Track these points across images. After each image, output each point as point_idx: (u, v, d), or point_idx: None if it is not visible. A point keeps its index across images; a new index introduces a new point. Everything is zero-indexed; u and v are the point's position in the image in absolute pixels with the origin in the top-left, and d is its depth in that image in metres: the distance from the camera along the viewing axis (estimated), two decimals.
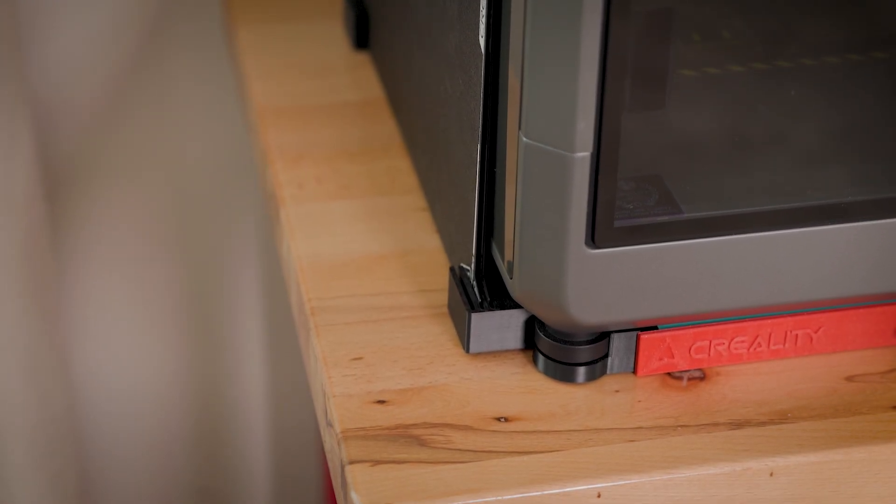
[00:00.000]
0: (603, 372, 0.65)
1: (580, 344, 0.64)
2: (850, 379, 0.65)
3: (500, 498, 0.59)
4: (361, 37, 0.87)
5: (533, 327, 0.66)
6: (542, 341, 0.65)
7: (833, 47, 0.66)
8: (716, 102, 0.65)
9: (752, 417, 0.63)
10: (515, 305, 0.65)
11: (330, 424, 0.64)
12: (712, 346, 0.65)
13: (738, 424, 0.63)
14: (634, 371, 0.65)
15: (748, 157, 0.64)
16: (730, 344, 0.65)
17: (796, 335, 0.66)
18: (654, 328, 0.65)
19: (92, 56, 1.01)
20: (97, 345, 1.12)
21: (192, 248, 1.10)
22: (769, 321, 0.65)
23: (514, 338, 0.66)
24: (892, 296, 0.65)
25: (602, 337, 0.64)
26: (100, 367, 1.13)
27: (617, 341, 0.65)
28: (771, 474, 0.61)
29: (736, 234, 0.62)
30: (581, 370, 0.65)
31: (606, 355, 0.65)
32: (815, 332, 0.66)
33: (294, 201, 0.76)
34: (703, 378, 0.65)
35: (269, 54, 0.87)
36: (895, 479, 0.62)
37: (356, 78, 0.85)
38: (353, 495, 0.59)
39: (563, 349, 0.64)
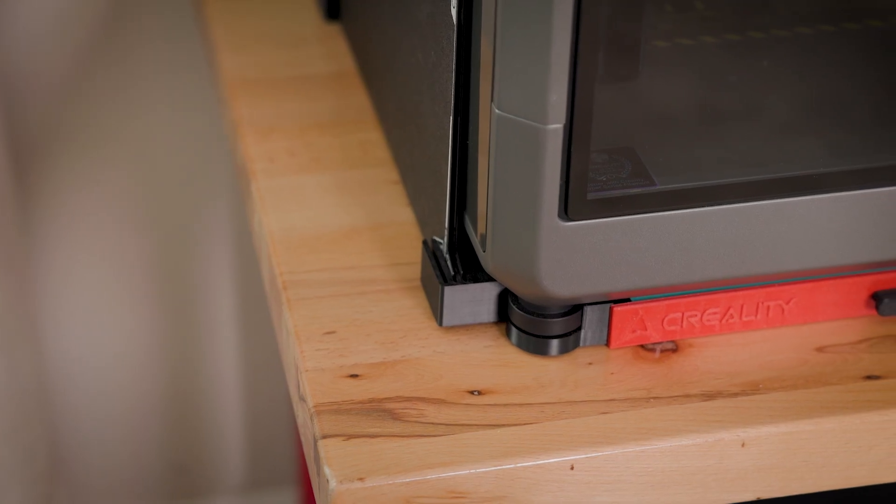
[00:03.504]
0: (576, 344, 0.65)
1: (553, 317, 0.64)
2: (821, 350, 0.65)
3: (473, 471, 0.59)
4: (333, 8, 0.86)
5: (506, 300, 0.66)
6: (516, 314, 0.65)
7: (805, 18, 0.66)
8: (689, 74, 0.65)
9: (723, 389, 0.63)
10: (488, 278, 0.65)
11: (303, 399, 0.64)
12: (685, 317, 0.65)
13: (710, 396, 0.63)
14: (607, 343, 0.65)
15: (721, 129, 0.64)
16: (702, 316, 0.65)
17: (768, 306, 0.66)
18: (627, 300, 0.65)
19: (59, 30, 1.00)
20: (68, 319, 1.11)
21: (164, 222, 1.10)
22: (741, 293, 0.65)
23: (488, 311, 0.66)
24: (864, 266, 0.65)
25: (575, 309, 0.64)
26: (71, 342, 1.12)
27: (590, 314, 0.65)
28: (742, 445, 0.61)
29: (709, 205, 0.62)
30: (554, 343, 0.65)
31: (579, 328, 0.65)
32: (787, 304, 0.66)
33: (265, 175, 0.75)
34: (675, 350, 0.66)
35: (238, 25, 0.86)
36: (865, 449, 0.63)
37: (327, 50, 0.85)
38: (326, 469, 0.59)
39: (536, 322, 0.64)
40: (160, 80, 1.03)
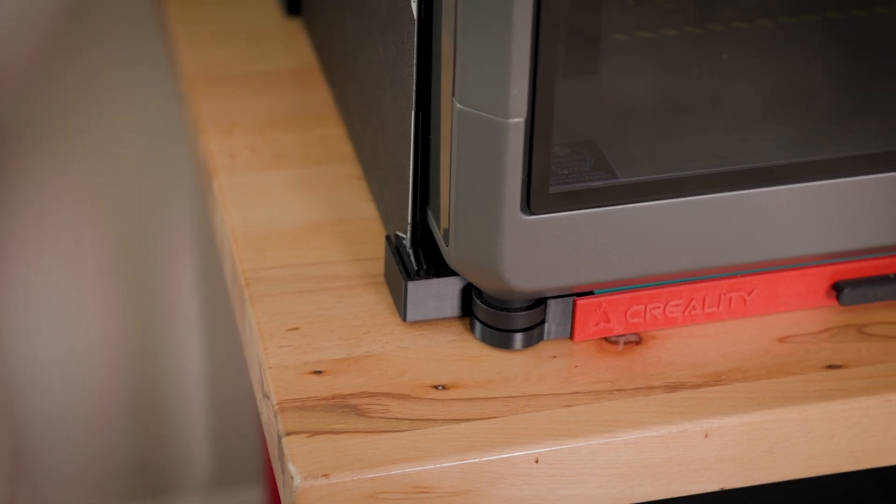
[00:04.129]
0: (540, 338, 0.65)
1: (517, 310, 0.64)
2: (782, 340, 0.66)
3: (438, 466, 0.59)
4: (293, 3, 0.86)
5: (470, 295, 0.66)
6: (479, 308, 0.65)
7: (765, 10, 0.66)
8: (649, 67, 0.65)
9: (687, 380, 0.64)
10: (452, 273, 0.65)
11: (266, 396, 0.63)
12: (648, 310, 0.65)
13: (674, 387, 0.63)
14: (571, 336, 0.66)
15: (682, 122, 0.64)
16: (665, 308, 0.66)
17: (730, 298, 0.66)
18: (591, 293, 0.65)
19: (19, 26, 0.99)
20: (30, 317, 1.10)
21: (126, 220, 1.09)
22: (703, 284, 0.66)
23: (451, 306, 0.66)
24: (824, 257, 0.66)
25: (538, 303, 0.65)
26: (33, 340, 1.11)
27: (553, 307, 0.65)
28: (706, 436, 0.62)
29: (671, 198, 0.62)
30: (518, 336, 0.65)
31: (543, 321, 0.65)
32: (749, 295, 0.66)
33: (227, 171, 0.75)
34: (638, 342, 0.66)
35: (198, 21, 0.86)
36: (827, 438, 0.63)
37: (288, 45, 0.84)
38: (291, 466, 0.59)
39: (499, 316, 0.64)
40: (121, 77, 1.03)
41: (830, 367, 0.64)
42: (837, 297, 0.67)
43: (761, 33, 0.66)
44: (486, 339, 0.65)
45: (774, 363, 0.65)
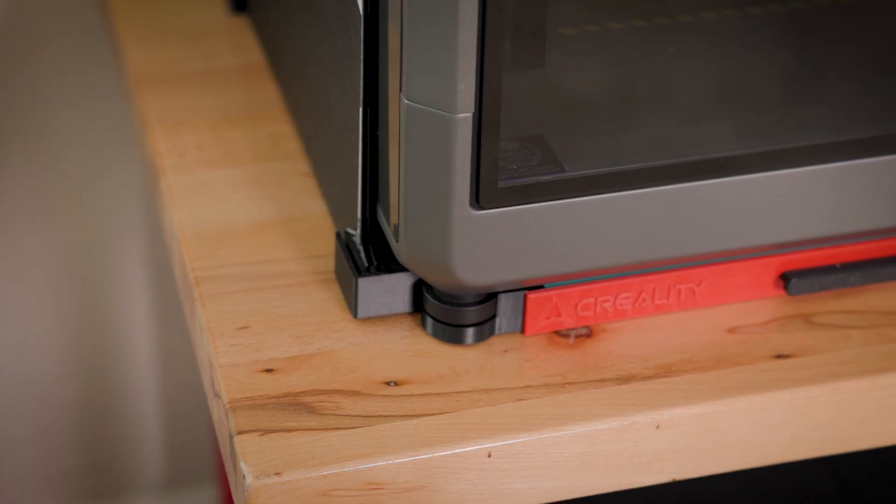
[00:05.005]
0: (491, 332, 0.65)
1: (468, 305, 0.64)
2: (731, 331, 0.66)
3: (390, 462, 0.59)
4: (240, 0, 0.85)
5: (421, 290, 0.66)
6: (430, 304, 0.65)
7: (710, 3, 0.66)
8: (596, 60, 0.65)
9: (637, 372, 0.64)
10: (403, 269, 0.65)
11: (217, 395, 0.63)
12: (598, 303, 0.66)
13: (625, 379, 0.64)
14: (522, 330, 0.66)
15: (629, 115, 0.65)
16: (615, 300, 0.66)
17: (679, 290, 0.67)
18: (541, 287, 0.65)
19: None
20: None
21: (75, 219, 1.08)
22: (653, 277, 0.66)
23: (402, 301, 0.66)
24: (772, 247, 0.66)
25: (489, 298, 0.65)
26: None
27: (504, 301, 0.65)
28: (657, 427, 0.62)
29: (619, 190, 0.62)
30: (469, 331, 0.65)
31: (494, 316, 0.65)
32: (698, 286, 0.67)
33: (175, 170, 0.74)
34: (589, 335, 0.66)
35: (143, 19, 0.85)
36: (776, 427, 0.64)
37: (235, 42, 0.84)
38: (242, 465, 0.59)
39: (451, 311, 0.64)
40: (66, 75, 1.02)
41: (779, 356, 0.65)
42: (785, 288, 0.67)
43: (707, 26, 0.67)
44: (437, 335, 0.65)
45: (724, 354, 0.65)
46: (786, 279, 0.67)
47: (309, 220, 0.71)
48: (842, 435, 0.65)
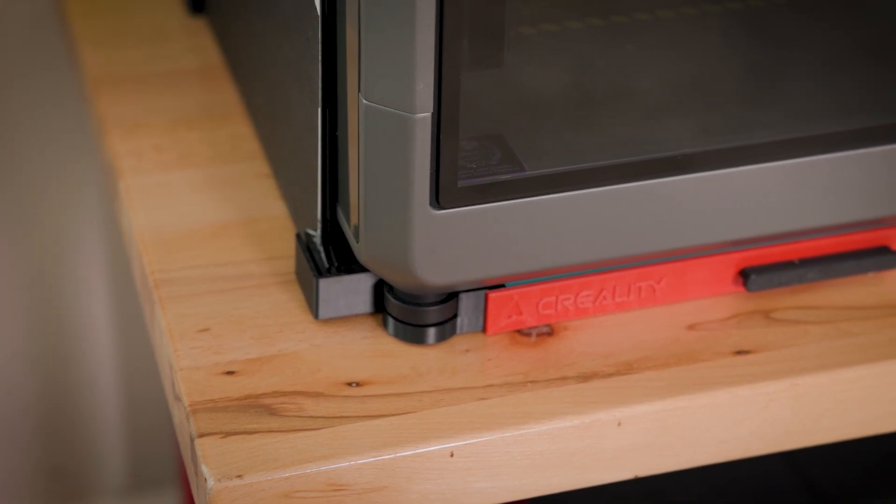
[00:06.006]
0: (453, 332, 0.65)
1: (429, 305, 0.64)
2: (692, 327, 0.67)
3: (352, 463, 0.59)
4: (197, 1, 0.85)
5: (382, 291, 0.65)
6: (392, 304, 0.65)
7: (667, 2, 0.67)
8: (555, 59, 0.65)
9: (599, 370, 0.64)
10: (363, 269, 0.65)
11: (178, 398, 0.63)
12: (559, 301, 0.66)
13: (586, 377, 0.64)
14: (484, 330, 0.66)
15: (588, 113, 0.65)
16: (576, 298, 0.66)
17: (640, 287, 0.67)
18: (502, 286, 0.65)
19: None
20: None
21: (33, 222, 1.07)
22: (613, 274, 0.66)
23: (364, 302, 0.66)
24: (731, 244, 0.67)
25: (451, 297, 0.65)
26: None
27: (465, 301, 0.65)
28: (619, 424, 0.62)
29: (579, 189, 0.62)
30: (431, 331, 0.65)
31: (455, 315, 0.65)
32: (658, 284, 0.67)
33: (133, 172, 0.74)
34: (551, 333, 0.66)
35: (100, 20, 0.84)
36: (737, 422, 0.64)
37: (193, 44, 0.83)
38: (204, 468, 0.58)
39: (412, 311, 0.64)
40: (23, 78, 1.01)
41: (739, 352, 0.65)
42: (744, 284, 0.68)
43: (664, 24, 0.67)
44: (399, 335, 0.65)
45: (684, 350, 0.65)
46: (745, 275, 0.68)
47: (269, 222, 0.71)
48: (802, 429, 0.65)
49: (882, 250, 0.69)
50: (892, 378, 0.65)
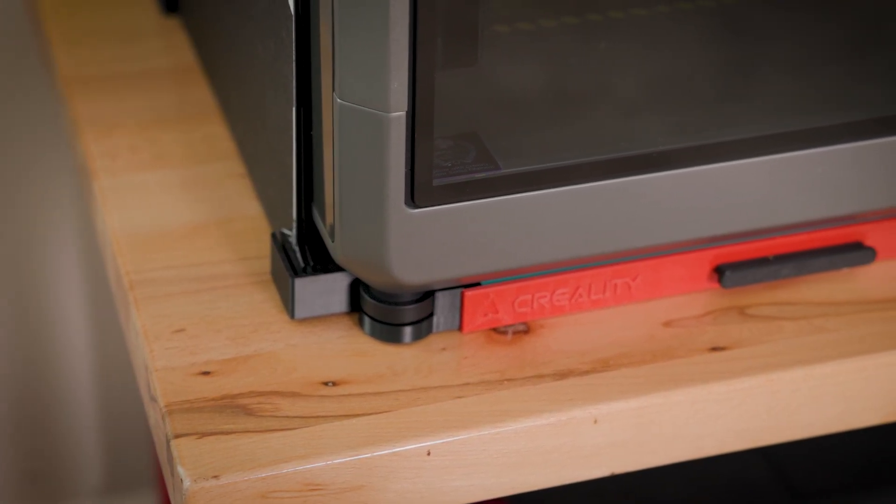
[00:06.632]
0: (429, 331, 0.65)
1: (405, 304, 0.64)
2: (667, 324, 0.67)
3: (329, 462, 0.59)
4: (170, 1, 0.85)
5: (358, 290, 0.65)
6: (368, 303, 0.65)
7: (640, 0, 0.67)
8: (529, 57, 0.65)
9: (575, 367, 0.64)
10: (339, 269, 0.65)
11: (154, 399, 0.63)
12: (535, 299, 0.66)
13: (563, 375, 0.64)
14: (460, 328, 0.66)
15: (562, 111, 0.65)
16: (552, 296, 0.66)
17: (615, 284, 0.67)
18: (478, 284, 0.65)
19: None
20: None
21: (8, 224, 1.06)
22: (589, 272, 0.66)
23: (340, 301, 0.66)
24: (706, 241, 0.67)
25: (427, 296, 0.65)
26: None
27: (441, 299, 0.65)
28: (595, 421, 0.62)
29: (554, 187, 0.62)
30: (407, 330, 0.65)
31: (431, 314, 0.65)
32: (634, 281, 0.67)
33: (107, 173, 0.73)
34: (527, 331, 0.66)
35: (73, 20, 0.84)
36: (713, 419, 0.64)
37: (167, 43, 0.83)
38: (180, 469, 0.58)
39: (388, 310, 0.64)
40: None
41: (714, 349, 0.66)
42: (719, 280, 0.68)
43: (638, 22, 0.67)
44: (375, 334, 0.65)
45: (660, 347, 0.66)
46: (720, 272, 0.68)
47: (244, 222, 0.71)
48: (777, 425, 0.65)
49: (855, 246, 0.69)
50: (866, 373, 0.65)
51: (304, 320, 0.66)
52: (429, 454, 0.61)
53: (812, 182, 0.66)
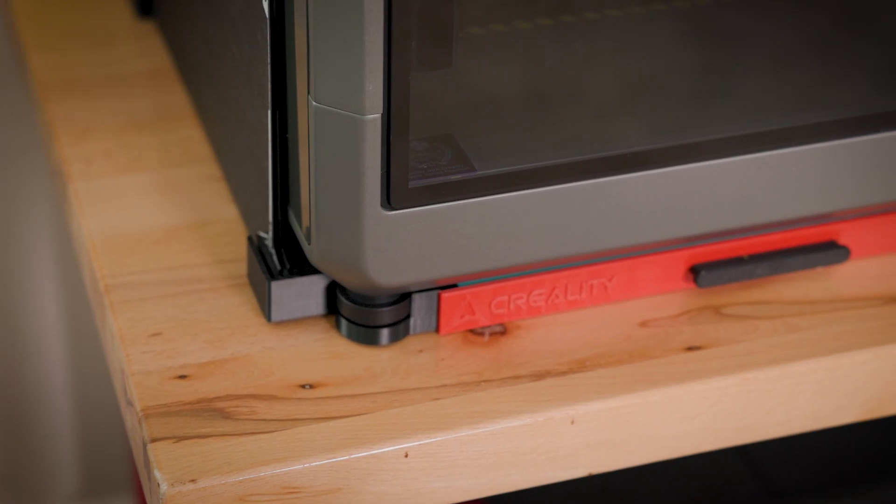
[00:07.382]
0: (406, 333, 0.65)
1: (382, 306, 0.64)
2: (643, 324, 0.67)
3: (307, 465, 0.59)
4: (145, 4, 0.85)
5: (334, 292, 0.65)
6: (344, 305, 0.65)
7: (615, 1, 0.67)
8: (504, 59, 0.66)
9: (552, 368, 0.64)
10: (315, 271, 0.65)
11: (130, 403, 0.62)
12: (512, 300, 0.66)
13: (540, 376, 0.64)
14: (437, 330, 0.66)
15: (538, 113, 0.65)
16: (528, 297, 0.66)
17: (592, 285, 0.67)
18: (455, 286, 0.65)
19: None
20: None
21: None
22: (565, 273, 0.66)
23: (316, 304, 0.66)
24: (681, 241, 0.67)
25: (403, 298, 0.65)
26: None
27: (418, 301, 0.65)
28: (572, 422, 0.63)
29: (530, 188, 0.63)
30: (384, 332, 0.65)
31: (408, 316, 0.65)
32: (610, 281, 0.67)
33: (82, 177, 0.73)
34: (504, 332, 0.66)
35: (48, 24, 0.84)
36: (689, 418, 0.65)
37: (142, 47, 0.83)
38: (157, 473, 0.58)
39: (365, 312, 0.64)
40: None
41: (690, 348, 0.66)
42: (695, 280, 0.68)
43: (612, 23, 0.67)
44: (352, 336, 0.65)
45: (636, 347, 0.66)
46: (695, 272, 0.68)
47: (220, 225, 0.71)
48: (754, 424, 0.66)
49: (829, 245, 0.70)
50: (841, 371, 0.66)
51: (280, 323, 0.66)
52: (406, 456, 0.61)
53: (786, 181, 0.66)
